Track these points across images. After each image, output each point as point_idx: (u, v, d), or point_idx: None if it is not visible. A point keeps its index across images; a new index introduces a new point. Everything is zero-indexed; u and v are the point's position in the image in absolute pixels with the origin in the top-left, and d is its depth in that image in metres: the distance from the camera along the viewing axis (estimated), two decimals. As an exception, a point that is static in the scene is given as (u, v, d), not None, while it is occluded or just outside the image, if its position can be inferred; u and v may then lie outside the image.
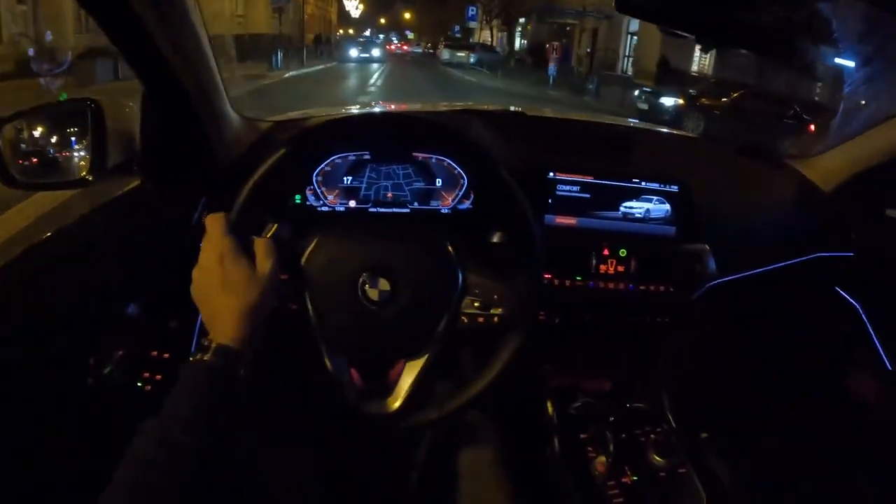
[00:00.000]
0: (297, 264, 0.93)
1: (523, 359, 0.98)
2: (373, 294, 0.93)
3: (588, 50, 26.85)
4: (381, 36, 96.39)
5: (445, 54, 32.79)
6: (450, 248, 0.98)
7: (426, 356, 0.96)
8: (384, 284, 0.93)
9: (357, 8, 70.34)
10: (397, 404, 0.94)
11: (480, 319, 0.98)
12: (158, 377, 1.08)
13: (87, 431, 0.99)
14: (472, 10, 46.16)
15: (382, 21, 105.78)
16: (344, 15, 73.77)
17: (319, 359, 0.93)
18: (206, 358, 0.72)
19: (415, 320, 0.95)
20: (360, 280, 0.93)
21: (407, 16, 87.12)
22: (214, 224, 0.82)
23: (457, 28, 51.67)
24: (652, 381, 1.48)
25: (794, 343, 1.52)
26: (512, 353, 0.96)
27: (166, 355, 1.10)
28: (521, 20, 37.67)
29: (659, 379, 1.48)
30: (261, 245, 0.84)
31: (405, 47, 64.36)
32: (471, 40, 40.85)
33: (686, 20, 0.84)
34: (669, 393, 1.46)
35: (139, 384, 1.08)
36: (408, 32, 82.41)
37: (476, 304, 0.98)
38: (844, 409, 1.46)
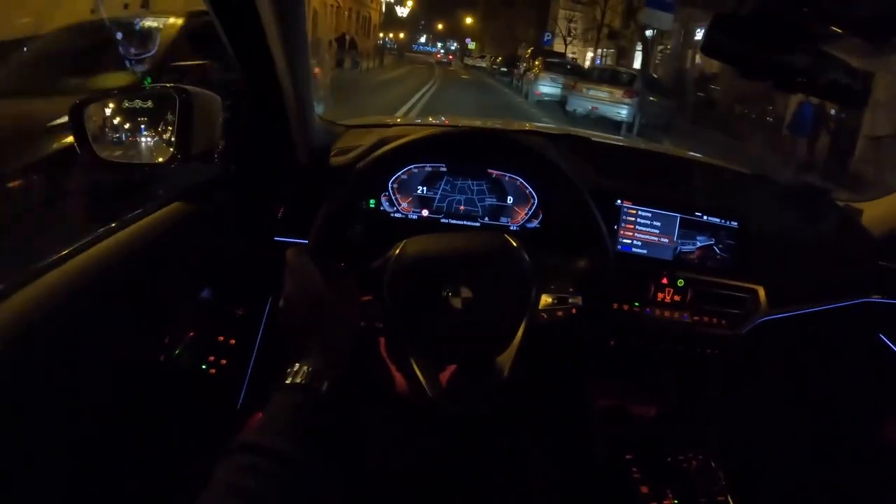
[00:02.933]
0: (378, 283, 0.95)
1: (576, 376, 1.00)
2: (456, 302, 0.96)
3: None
4: (439, 45, 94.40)
5: (544, 85, 17.04)
6: (523, 254, 1.01)
7: (512, 356, 0.99)
8: (466, 292, 0.96)
9: (405, 7, 60.39)
10: (485, 407, 0.98)
11: (560, 313, 1.02)
12: (223, 361, 1.12)
13: (155, 407, 1.02)
14: (548, 35, 37.63)
15: (440, 26, 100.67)
16: (392, 16, 64.10)
17: (410, 369, 0.96)
18: (300, 381, 0.77)
19: (497, 323, 0.99)
20: (443, 291, 0.96)
21: (468, 21, 76.34)
22: (295, 257, 0.87)
23: (547, 37, 38.29)
24: (698, 411, 1.50)
25: (836, 386, 1.53)
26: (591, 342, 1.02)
27: (232, 341, 1.13)
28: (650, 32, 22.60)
29: (705, 409, 1.50)
30: (339, 272, 0.89)
31: (451, 58, 57.88)
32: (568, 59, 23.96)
33: (770, 67, 0.85)
34: (714, 423, 1.48)
35: (204, 367, 1.11)
36: (468, 41, 72.90)
37: (553, 299, 1.03)
38: (882, 456, 1.47)
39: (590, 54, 36.50)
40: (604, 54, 35.52)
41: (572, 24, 37.73)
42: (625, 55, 30.04)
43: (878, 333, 1.40)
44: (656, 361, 1.43)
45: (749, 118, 14.98)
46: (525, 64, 22.15)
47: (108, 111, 1.06)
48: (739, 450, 1.47)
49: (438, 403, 0.95)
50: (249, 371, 1.17)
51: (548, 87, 16.87)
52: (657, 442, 1.40)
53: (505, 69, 29.43)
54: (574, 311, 1.02)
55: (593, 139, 1.57)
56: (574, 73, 16.62)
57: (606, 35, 32.57)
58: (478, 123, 1.75)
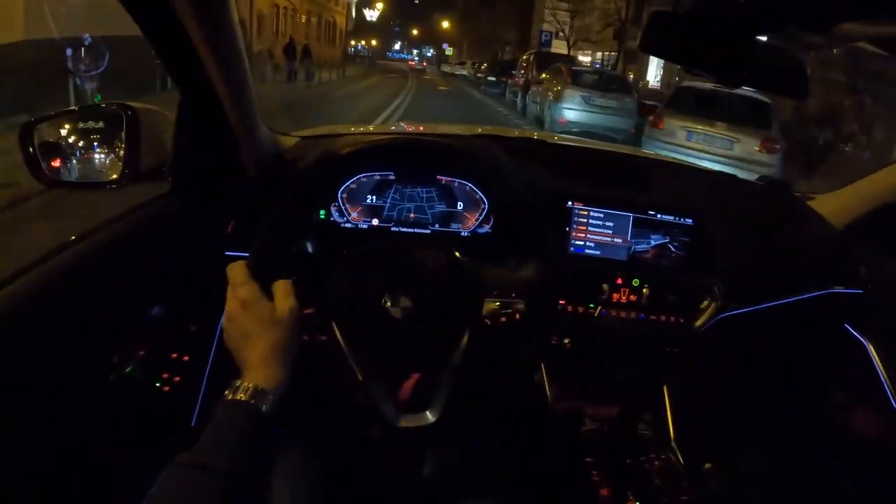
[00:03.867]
0: (320, 296, 1.00)
1: (532, 380, 1.04)
2: (395, 312, 1.00)
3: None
4: (415, 51, 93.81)
5: (572, 108, 11.24)
6: (468, 262, 1.06)
7: (456, 364, 1.03)
8: (405, 301, 1.01)
9: (374, 10, 56.39)
10: (434, 415, 1.02)
11: (503, 319, 1.06)
12: (177, 378, 1.16)
13: (106, 426, 1.07)
14: (546, 35, 35.59)
15: (415, 32, 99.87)
16: (363, 21, 61.36)
17: (354, 382, 1.00)
18: (241, 398, 0.79)
19: (440, 332, 1.03)
20: (383, 300, 1.00)
21: (445, 25, 73.44)
22: (235, 273, 0.89)
23: (545, 36, 36.04)
24: (658, 410, 1.54)
25: (801, 378, 1.59)
26: (537, 345, 1.06)
27: (185, 358, 1.18)
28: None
29: (665, 408, 1.55)
30: (280, 287, 0.90)
31: (426, 65, 56.75)
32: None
33: (704, 60, 0.91)
34: (675, 422, 1.52)
35: (158, 384, 1.15)
36: (445, 46, 70.54)
37: (496, 305, 1.05)
38: (849, 445, 1.52)
39: (581, 58, 32.34)
40: (605, 58, 32.21)
41: (565, 21, 33.87)
42: (634, 59, 27.22)
43: (843, 324, 1.46)
44: (615, 362, 1.49)
45: (840, 149, 11.44)
46: (526, 72, 17.04)
47: (57, 131, 1.13)
48: (702, 448, 1.53)
49: (385, 415, 1.00)
50: (203, 387, 1.22)
51: (580, 112, 11.07)
52: (618, 443, 1.45)
53: (493, 78, 24.85)
54: (518, 316, 1.06)
55: (548, 141, 1.63)
56: (618, 90, 11.52)
57: (616, 31, 27.89)
58: (441, 129, 1.80)
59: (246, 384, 0.80)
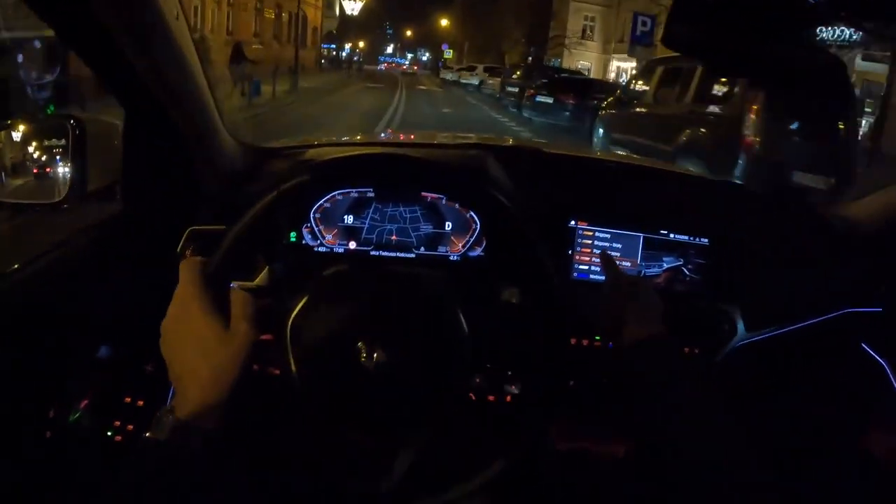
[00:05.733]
0: (284, 323, 0.95)
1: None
2: (368, 364, 0.94)
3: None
4: (409, 55, 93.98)
5: None
6: (459, 311, 1.00)
7: (424, 435, 0.99)
8: (381, 356, 0.94)
9: (354, 1, 47.65)
10: (388, 485, 0.97)
11: (491, 398, 1.02)
12: (130, 427, 1.13)
13: (47, 488, 1.03)
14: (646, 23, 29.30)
15: (409, 33, 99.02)
16: (346, 19, 53.83)
17: (301, 429, 0.97)
18: (159, 436, 0.74)
19: (415, 395, 0.97)
20: (355, 348, 0.94)
21: (444, 23, 68.74)
22: (189, 270, 0.84)
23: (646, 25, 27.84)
24: (668, 445, 1.53)
25: (819, 401, 1.58)
26: (527, 439, 0.99)
27: (140, 402, 1.15)
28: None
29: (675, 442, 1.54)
30: (238, 299, 0.84)
31: (416, 68, 56.13)
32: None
33: (740, 58, 0.88)
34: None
35: (109, 433, 1.13)
36: (445, 48, 65.30)
37: (487, 382, 1.03)
38: (868, 469, 1.51)
39: (617, 64, 31.38)
40: (619, 69, 30.65)
41: (592, 18, 32.03)
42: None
43: (860, 343, 1.46)
44: (623, 398, 1.47)
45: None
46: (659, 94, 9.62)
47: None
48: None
49: (329, 477, 0.96)
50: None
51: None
52: (626, 485, 1.45)
53: (546, 98, 16.67)
54: (508, 398, 1.01)
55: (545, 151, 1.60)
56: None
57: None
58: (429, 138, 1.77)
59: (171, 417, 0.75)
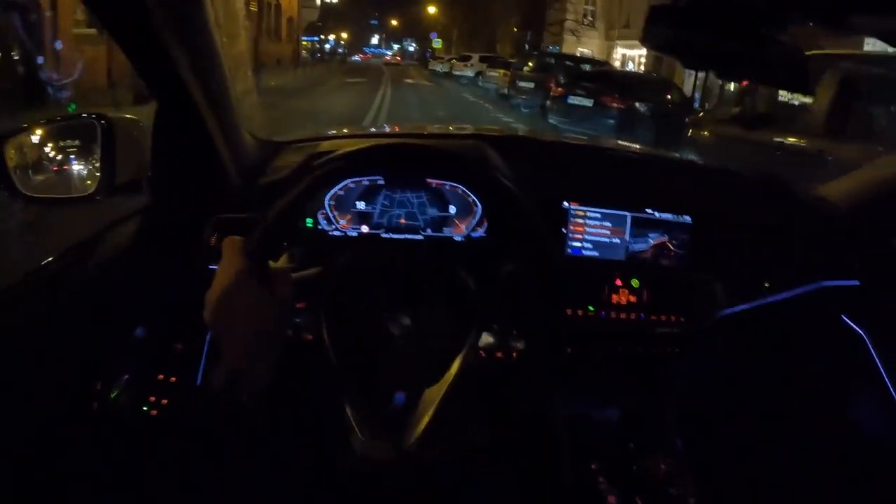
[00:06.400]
0: (316, 293, 1.10)
1: (535, 389, 1.11)
2: (394, 327, 1.11)
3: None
4: (395, 46, 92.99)
5: None
6: (468, 280, 1.13)
7: (442, 389, 1.14)
8: (405, 319, 1.12)
9: None
10: (413, 440, 1.12)
11: (499, 354, 1.16)
12: (165, 401, 1.25)
13: (95, 456, 1.14)
14: None
15: (395, 23, 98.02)
16: (328, 9, 50.17)
17: (332, 390, 1.10)
18: (217, 385, 0.84)
19: (433, 354, 1.15)
20: (383, 315, 1.09)
21: (431, 10, 65.68)
22: (231, 247, 0.93)
23: None
24: (662, 412, 1.69)
25: (801, 372, 1.73)
26: (532, 392, 1.12)
27: (173, 379, 1.27)
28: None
29: (669, 409, 1.70)
30: (278, 272, 0.96)
31: (399, 59, 54.30)
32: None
33: (706, 55, 1.00)
34: (680, 423, 1.67)
35: (145, 408, 1.24)
36: (434, 37, 62.66)
37: (494, 340, 1.16)
38: (850, 438, 1.65)
39: (622, 52, 28.10)
40: (625, 58, 27.87)
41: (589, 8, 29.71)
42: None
43: (840, 316, 1.59)
44: (616, 365, 1.63)
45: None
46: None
47: (29, 145, 1.23)
48: (707, 449, 1.70)
49: (361, 433, 1.09)
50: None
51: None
52: (622, 448, 1.60)
53: (584, 100, 12.83)
54: (514, 354, 1.17)
55: (539, 139, 1.72)
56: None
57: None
58: (429, 129, 1.88)
59: (225, 372, 0.85)
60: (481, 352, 1.16)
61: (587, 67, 17.03)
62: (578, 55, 23.96)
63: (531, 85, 16.97)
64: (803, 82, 1.03)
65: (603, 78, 13.68)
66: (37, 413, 1.04)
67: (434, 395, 1.13)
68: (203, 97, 1.18)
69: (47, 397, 1.06)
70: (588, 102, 12.63)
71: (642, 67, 24.15)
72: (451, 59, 38.19)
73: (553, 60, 18.13)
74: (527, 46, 33.68)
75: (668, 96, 12.94)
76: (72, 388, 1.12)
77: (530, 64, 18.09)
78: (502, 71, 22.43)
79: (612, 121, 12.07)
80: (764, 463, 1.73)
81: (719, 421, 1.77)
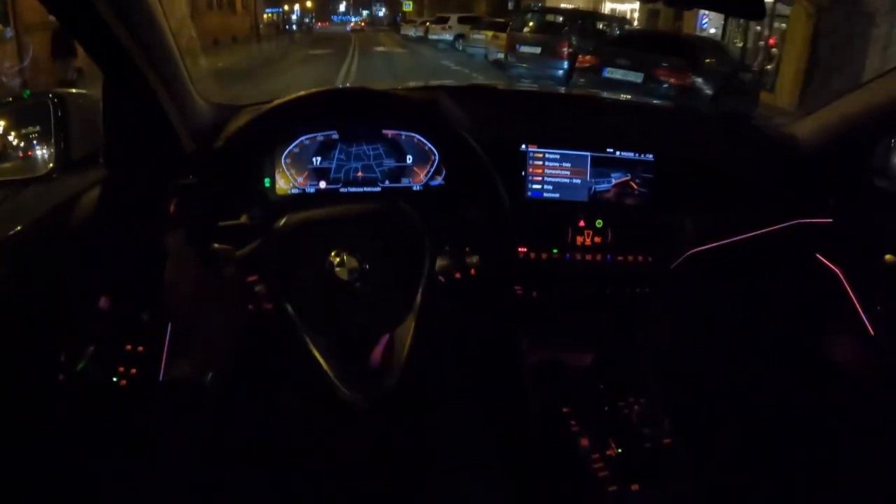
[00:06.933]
0: (263, 263, 1.14)
1: (501, 333, 1.17)
2: (342, 273, 1.17)
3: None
4: (364, 12, 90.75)
5: None
6: (416, 213, 1.20)
7: (411, 326, 1.19)
8: (351, 262, 1.16)
9: None
10: (392, 380, 1.17)
11: (457, 275, 1.22)
12: (133, 371, 1.29)
13: (63, 428, 1.20)
14: None
15: None
16: None
17: (306, 349, 1.15)
18: (180, 376, 0.95)
19: (391, 291, 1.20)
20: (327, 262, 1.16)
21: None
22: (172, 243, 1.04)
23: None
24: (633, 353, 1.76)
25: (776, 310, 1.79)
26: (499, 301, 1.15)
27: (140, 349, 1.30)
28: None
29: (640, 350, 1.76)
30: (221, 252, 1.04)
31: (363, 25, 53.74)
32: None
33: None
34: (651, 364, 1.73)
35: (114, 379, 1.27)
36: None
37: (449, 261, 1.22)
38: (827, 374, 1.72)
39: (611, 6, 24.59)
40: (615, 13, 24.04)
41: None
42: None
43: (814, 253, 1.64)
44: (585, 307, 1.69)
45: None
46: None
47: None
48: (680, 387, 1.75)
49: (338, 383, 1.15)
50: (161, 377, 1.36)
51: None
52: (594, 391, 1.66)
53: (634, 75, 10.14)
54: (473, 271, 1.22)
55: (499, 88, 1.77)
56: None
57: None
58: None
59: (185, 361, 0.95)
60: (439, 277, 1.20)
61: (601, 26, 14.65)
62: (586, 10, 19.47)
63: (536, 50, 13.77)
64: (758, 7, 1.08)
65: (644, 42, 10.98)
66: (4, 386, 1.10)
67: (403, 334, 1.17)
68: (148, 66, 1.20)
69: (13, 369, 1.12)
70: (636, 78, 9.91)
71: (636, 24, 21.39)
72: (425, 21, 34.67)
73: (560, 18, 14.49)
74: (509, 4, 30.59)
75: (722, 60, 10.43)
76: (37, 361, 1.16)
77: (531, 24, 14.59)
78: (490, 33, 19.56)
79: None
80: (738, 400, 1.79)
81: (693, 360, 1.83)
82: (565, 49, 12.81)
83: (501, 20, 20.16)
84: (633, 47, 10.52)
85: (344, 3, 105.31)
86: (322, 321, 1.15)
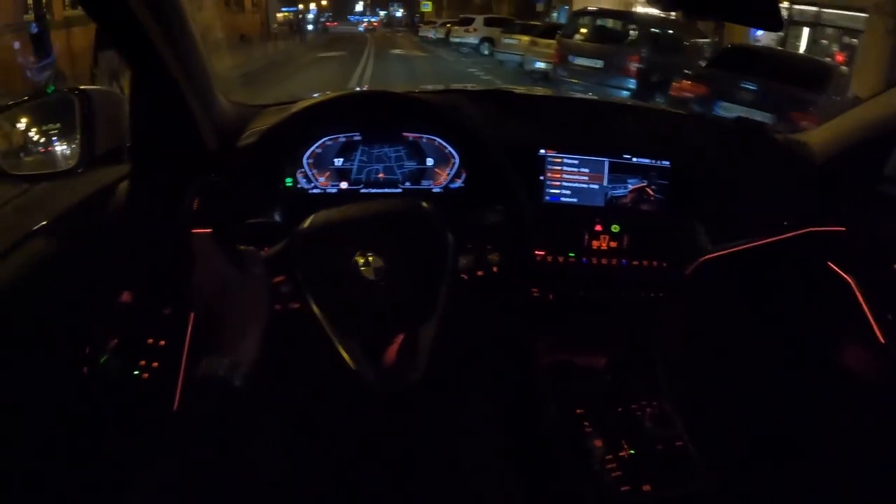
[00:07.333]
0: (289, 263, 1.17)
1: (518, 334, 1.19)
2: (368, 272, 1.19)
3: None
4: (381, 13, 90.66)
5: None
6: (437, 213, 1.23)
7: (435, 323, 1.21)
8: (377, 261, 1.19)
9: None
10: (415, 377, 1.19)
11: (480, 272, 1.24)
12: (155, 364, 1.30)
13: (86, 420, 1.23)
14: None
15: None
16: None
17: (333, 348, 1.17)
18: (213, 374, 0.92)
19: (416, 290, 1.22)
20: (353, 262, 1.19)
21: None
22: (199, 244, 1.04)
23: None
24: (647, 356, 1.79)
25: (787, 317, 1.83)
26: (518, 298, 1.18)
27: (162, 342, 1.30)
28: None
29: (653, 353, 1.80)
30: (248, 253, 1.07)
31: (376, 24, 52.64)
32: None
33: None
34: (664, 367, 1.77)
35: (136, 372, 1.28)
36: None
37: (471, 258, 1.25)
38: (838, 381, 1.75)
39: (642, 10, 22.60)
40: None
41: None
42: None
43: (826, 262, 1.67)
44: (600, 311, 1.73)
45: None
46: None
47: (10, 124, 1.31)
48: (693, 391, 1.79)
49: (365, 381, 1.18)
50: (182, 371, 1.39)
51: None
52: (608, 393, 1.70)
53: None
54: (495, 269, 1.25)
55: (517, 92, 1.80)
56: None
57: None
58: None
59: (217, 360, 0.94)
60: (462, 275, 1.24)
61: (671, 34, 11.73)
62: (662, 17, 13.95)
63: (596, 63, 11.50)
64: (778, 23, 1.10)
65: (761, 65, 8.38)
66: (28, 380, 1.12)
67: (427, 331, 1.19)
68: (175, 62, 1.24)
69: (38, 363, 1.14)
70: (765, 119, 7.12)
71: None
72: (446, 23, 32.45)
73: (622, 25, 12.11)
74: (538, 6, 29.67)
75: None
76: (61, 354, 1.19)
77: (582, 31, 12.31)
78: (526, 38, 17.14)
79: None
80: (751, 404, 1.82)
81: (705, 364, 1.87)
82: (636, 64, 10.78)
83: (537, 23, 19.09)
84: (751, 72, 8.20)
85: (361, 2, 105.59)
86: (349, 320, 1.17)
